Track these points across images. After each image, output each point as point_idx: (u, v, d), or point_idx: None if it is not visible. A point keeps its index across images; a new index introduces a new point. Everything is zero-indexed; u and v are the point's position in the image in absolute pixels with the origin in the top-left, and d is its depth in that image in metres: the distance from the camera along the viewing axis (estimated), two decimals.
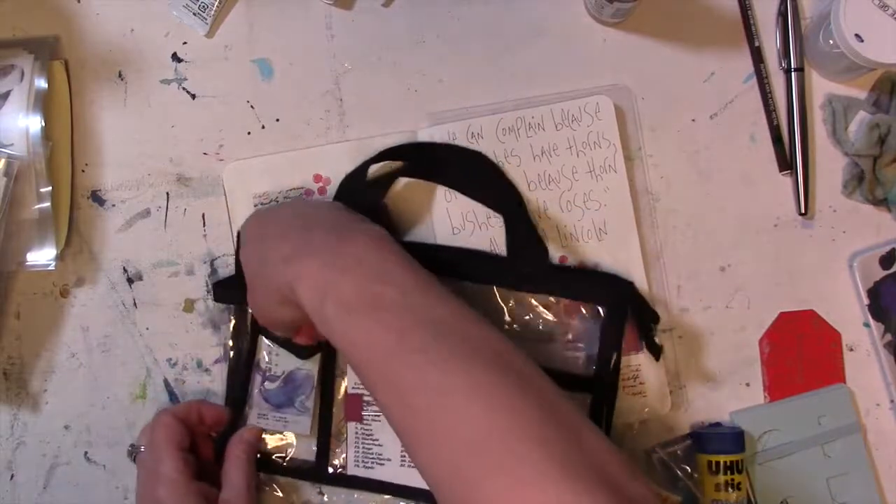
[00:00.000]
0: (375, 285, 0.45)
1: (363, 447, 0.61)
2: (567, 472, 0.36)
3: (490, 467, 0.37)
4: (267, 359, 0.61)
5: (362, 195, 0.59)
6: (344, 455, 0.61)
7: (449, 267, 0.61)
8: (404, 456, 0.60)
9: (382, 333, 0.43)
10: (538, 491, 0.35)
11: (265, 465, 0.61)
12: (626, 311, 0.59)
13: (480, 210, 0.62)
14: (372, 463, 0.60)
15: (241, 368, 0.61)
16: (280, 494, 0.62)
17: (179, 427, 0.57)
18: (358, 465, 0.61)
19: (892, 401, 0.63)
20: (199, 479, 0.57)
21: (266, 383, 0.61)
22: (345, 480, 0.61)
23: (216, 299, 0.61)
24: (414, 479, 0.60)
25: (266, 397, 0.61)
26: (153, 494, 0.54)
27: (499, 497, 0.36)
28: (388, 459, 0.60)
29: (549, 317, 0.60)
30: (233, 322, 0.61)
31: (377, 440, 0.60)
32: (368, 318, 0.44)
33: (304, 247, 0.48)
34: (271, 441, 0.62)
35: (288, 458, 0.62)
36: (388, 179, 0.60)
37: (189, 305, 0.62)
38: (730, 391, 0.63)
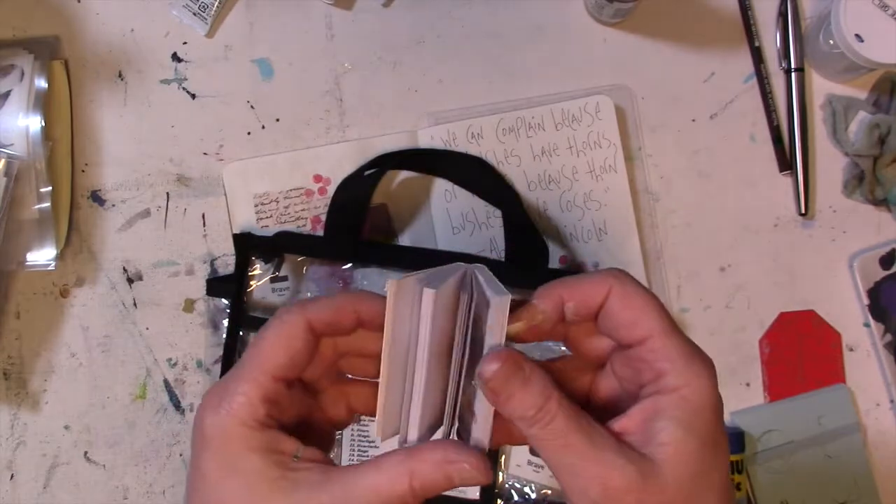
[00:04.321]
0: None
1: (358, 449, 0.60)
2: None
3: None
4: None
5: (357, 195, 0.60)
6: (338, 458, 0.61)
7: None
8: None
9: None
10: None
11: None
12: None
13: (480, 210, 0.62)
14: None
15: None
16: None
17: (306, 346, 0.35)
18: None
19: (892, 401, 0.63)
20: (304, 427, 0.37)
21: None
22: None
23: (209, 292, 0.61)
24: None
25: None
26: (201, 424, 0.34)
27: None
28: None
29: None
30: (227, 321, 0.61)
31: (373, 442, 0.60)
32: None
33: None
34: None
35: None
36: (380, 173, 0.60)
37: (189, 305, 0.62)
38: (730, 391, 0.62)
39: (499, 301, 0.33)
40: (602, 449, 0.33)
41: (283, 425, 0.34)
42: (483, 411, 0.35)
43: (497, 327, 0.33)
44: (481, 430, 0.35)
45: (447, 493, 0.60)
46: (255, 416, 0.33)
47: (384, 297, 0.34)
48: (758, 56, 0.64)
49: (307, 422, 0.37)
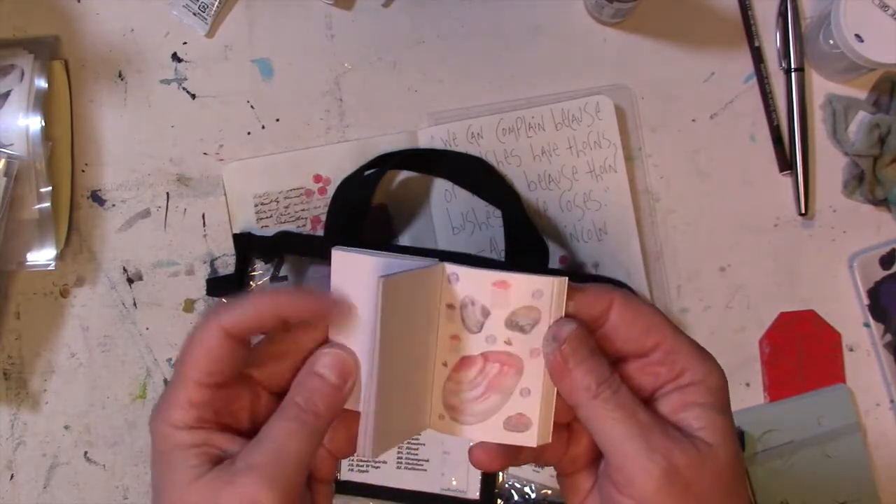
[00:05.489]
0: None
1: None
2: None
3: None
4: None
5: (357, 195, 0.60)
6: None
7: None
8: (400, 458, 0.60)
9: None
10: None
11: None
12: None
13: (480, 210, 0.62)
14: (366, 466, 0.60)
15: None
16: None
17: (225, 352, 0.35)
18: (352, 470, 0.60)
19: (892, 401, 0.63)
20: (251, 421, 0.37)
21: None
22: (337, 486, 0.60)
23: (209, 293, 0.61)
24: (409, 482, 0.60)
25: None
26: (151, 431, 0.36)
27: None
28: (384, 462, 0.60)
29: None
30: None
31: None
32: None
33: None
34: None
35: None
36: (380, 173, 0.60)
37: (189, 305, 0.62)
38: (730, 391, 0.62)
39: (559, 281, 0.35)
40: (664, 423, 0.34)
41: (227, 425, 0.35)
42: (539, 395, 0.35)
43: (556, 307, 0.35)
44: (543, 416, 0.35)
45: (448, 493, 0.60)
46: (185, 420, 0.34)
47: (302, 291, 0.35)
48: (758, 56, 0.64)
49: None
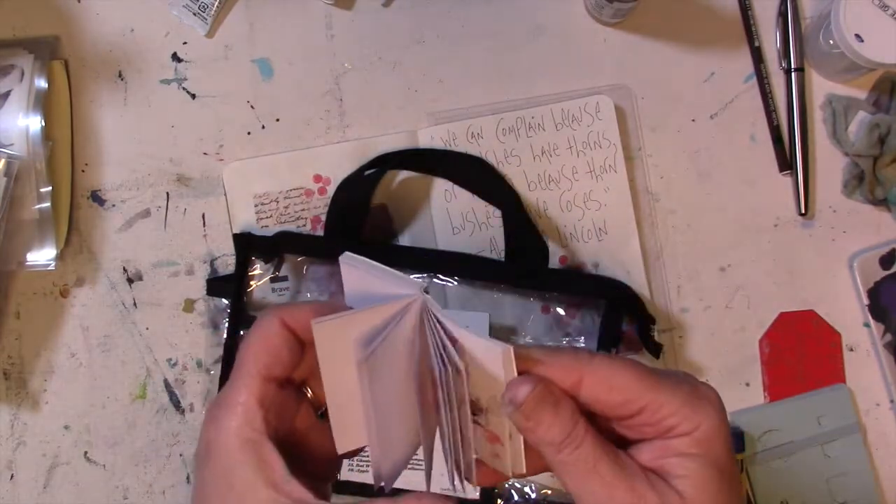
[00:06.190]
0: None
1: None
2: None
3: None
4: None
5: (357, 195, 0.59)
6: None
7: (449, 267, 0.61)
8: None
9: None
10: None
11: None
12: (626, 307, 0.59)
13: (481, 210, 0.62)
14: (366, 466, 0.60)
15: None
16: None
17: (286, 343, 0.36)
18: (352, 470, 0.60)
19: (892, 401, 0.63)
20: (300, 434, 0.38)
21: None
22: (337, 486, 0.60)
23: (209, 293, 0.61)
24: (411, 482, 0.59)
25: None
26: (203, 437, 0.35)
27: None
28: None
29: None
30: (227, 321, 0.61)
31: None
32: None
33: None
34: None
35: None
36: (380, 173, 0.60)
37: (189, 305, 0.62)
38: (730, 391, 0.62)
39: (504, 350, 0.32)
40: (631, 477, 0.33)
41: (282, 439, 0.35)
42: (513, 440, 0.35)
43: (509, 372, 0.33)
44: (515, 459, 0.35)
45: (448, 493, 0.60)
46: (252, 424, 0.34)
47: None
48: (758, 56, 0.64)
49: (311, 453, 0.38)
